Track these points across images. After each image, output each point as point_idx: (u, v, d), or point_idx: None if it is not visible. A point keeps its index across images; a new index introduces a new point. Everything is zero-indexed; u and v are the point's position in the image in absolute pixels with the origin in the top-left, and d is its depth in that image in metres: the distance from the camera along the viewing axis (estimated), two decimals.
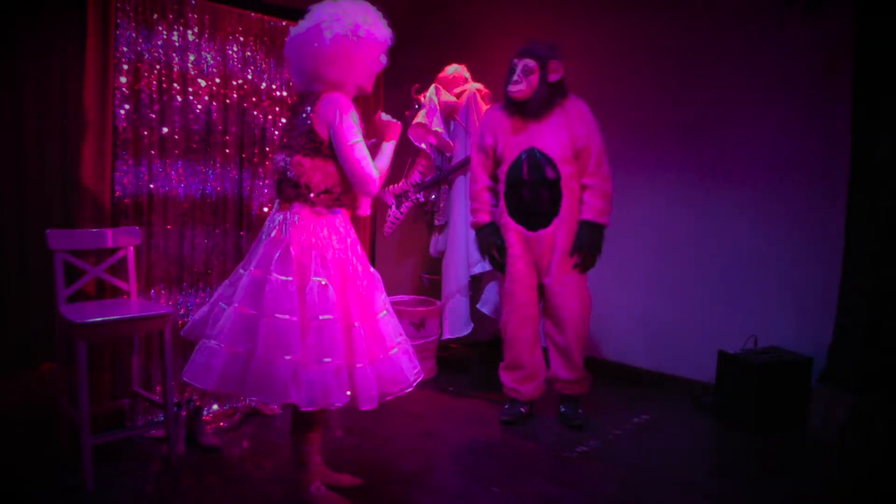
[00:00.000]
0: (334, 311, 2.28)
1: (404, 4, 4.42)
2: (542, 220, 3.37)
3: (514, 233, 3.44)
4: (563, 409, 3.55)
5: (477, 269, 4.08)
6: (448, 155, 4.25)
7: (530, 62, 3.28)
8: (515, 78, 3.31)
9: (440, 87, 4.20)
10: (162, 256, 3.25)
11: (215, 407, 3.41)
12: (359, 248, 2.48)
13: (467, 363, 4.25)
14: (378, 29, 2.38)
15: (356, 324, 2.32)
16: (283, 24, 3.51)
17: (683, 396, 3.91)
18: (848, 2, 3.37)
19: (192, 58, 3.24)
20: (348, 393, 2.26)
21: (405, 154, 4.23)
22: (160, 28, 3.12)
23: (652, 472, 3.01)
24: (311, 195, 2.37)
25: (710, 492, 2.83)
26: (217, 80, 3.34)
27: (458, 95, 4.21)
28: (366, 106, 3.82)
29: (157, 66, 3.14)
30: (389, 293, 2.57)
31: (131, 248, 3.01)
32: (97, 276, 2.97)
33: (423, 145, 4.20)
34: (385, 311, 2.46)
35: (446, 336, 4.20)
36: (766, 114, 3.74)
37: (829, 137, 3.53)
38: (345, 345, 2.28)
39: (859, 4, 3.30)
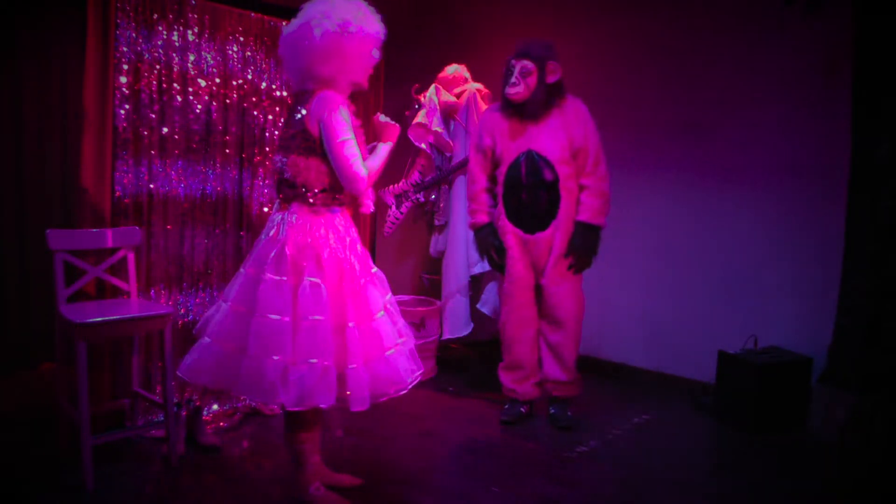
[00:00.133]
0: (326, 311, 2.27)
1: (404, 4, 4.43)
2: (540, 223, 3.36)
3: (511, 235, 3.43)
4: (552, 411, 3.54)
5: (477, 270, 4.09)
6: (448, 155, 4.25)
7: (528, 64, 3.24)
8: (513, 80, 3.26)
9: (440, 87, 4.20)
10: (162, 256, 3.25)
11: (215, 407, 3.40)
12: (359, 246, 2.47)
13: (467, 363, 4.25)
14: (369, 24, 2.35)
15: (350, 324, 2.31)
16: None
17: (683, 396, 3.91)
18: (848, 2, 3.37)
19: (192, 58, 3.24)
20: (347, 393, 2.26)
21: (405, 154, 4.24)
22: (160, 28, 3.12)
23: (652, 472, 3.01)
24: (309, 195, 2.37)
25: (710, 492, 2.83)
26: (217, 80, 3.34)
27: (458, 95, 4.21)
28: (365, 106, 3.81)
29: (157, 66, 3.13)
30: None
31: (131, 248, 3.02)
32: (97, 276, 2.97)
33: (423, 145, 4.20)
34: (383, 312, 2.44)
35: (446, 336, 4.20)
36: (766, 114, 3.74)
37: (829, 137, 3.53)
38: (336, 345, 2.28)
39: (859, 4, 3.30)
